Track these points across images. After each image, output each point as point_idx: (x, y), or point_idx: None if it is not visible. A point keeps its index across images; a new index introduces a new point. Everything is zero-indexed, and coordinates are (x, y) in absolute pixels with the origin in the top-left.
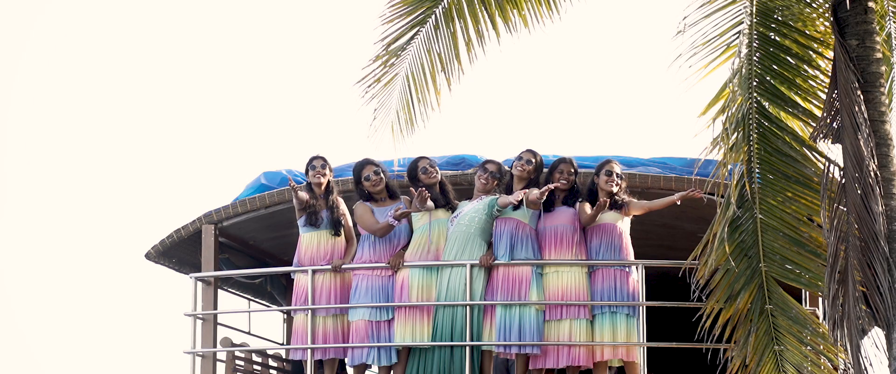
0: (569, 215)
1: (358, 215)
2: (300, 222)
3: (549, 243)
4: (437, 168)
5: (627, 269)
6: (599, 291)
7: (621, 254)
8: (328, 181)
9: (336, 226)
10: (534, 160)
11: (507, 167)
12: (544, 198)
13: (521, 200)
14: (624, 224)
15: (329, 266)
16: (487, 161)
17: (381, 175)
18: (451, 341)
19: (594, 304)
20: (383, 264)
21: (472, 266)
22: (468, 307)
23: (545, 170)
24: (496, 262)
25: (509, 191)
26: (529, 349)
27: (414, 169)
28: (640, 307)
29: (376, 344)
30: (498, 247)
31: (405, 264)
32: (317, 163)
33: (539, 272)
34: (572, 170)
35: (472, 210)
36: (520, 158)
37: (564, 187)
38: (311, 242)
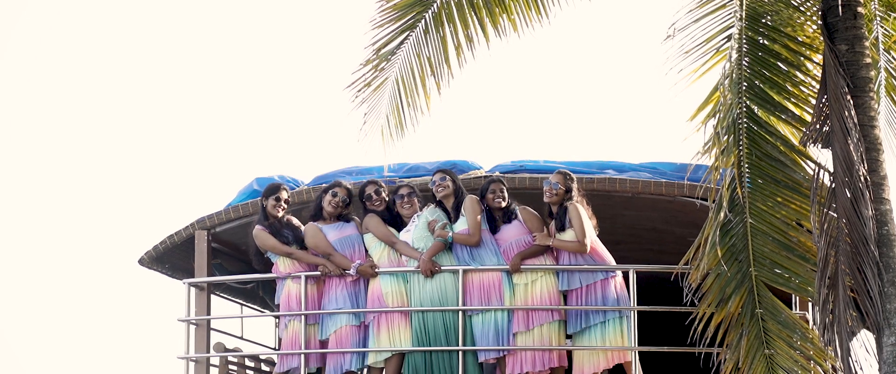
0: (516, 228)
1: (310, 236)
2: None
3: (510, 257)
4: (383, 195)
5: (608, 276)
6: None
7: (597, 264)
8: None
9: (300, 243)
10: (448, 177)
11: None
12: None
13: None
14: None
15: (318, 273)
16: (398, 186)
17: (348, 200)
18: (446, 346)
19: (575, 308)
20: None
21: (464, 272)
22: (460, 312)
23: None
24: (481, 268)
25: (442, 207)
26: (495, 353)
27: (360, 194)
28: (631, 314)
29: (364, 349)
30: (461, 256)
31: (381, 269)
32: (282, 195)
33: (510, 277)
34: (504, 188)
35: (418, 233)
36: (433, 181)
37: (500, 205)
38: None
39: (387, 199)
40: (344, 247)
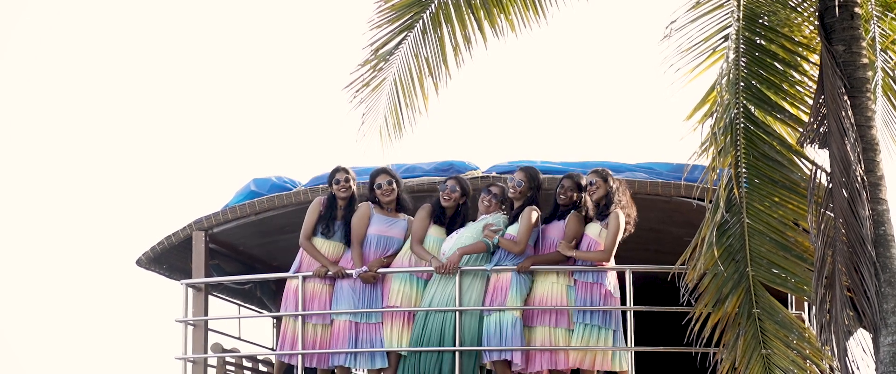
0: (558, 229)
1: (357, 215)
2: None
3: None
4: (456, 195)
5: (604, 284)
6: (574, 303)
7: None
8: (353, 193)
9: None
10: (524, 182)
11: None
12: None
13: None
14: (602, 238)
15: (312, 273)
16: (492, 184)
17: (394, 186)
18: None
19: (569, 308)
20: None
21: (471, 275)
22: (458, 313)
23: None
24: (483, 269)
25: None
26: (508, 354)
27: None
28: (627, 314)
29: (361, 350)
30: (489, 259)
31: (390, 269)
32: (341, 176)
33: (523, 280)
34: (573, 185)
35: (470, 232)
36: (512, 179)
37: (564, 201)
38: (322, 249)
39: (461, 201)
40: (378, 245)
